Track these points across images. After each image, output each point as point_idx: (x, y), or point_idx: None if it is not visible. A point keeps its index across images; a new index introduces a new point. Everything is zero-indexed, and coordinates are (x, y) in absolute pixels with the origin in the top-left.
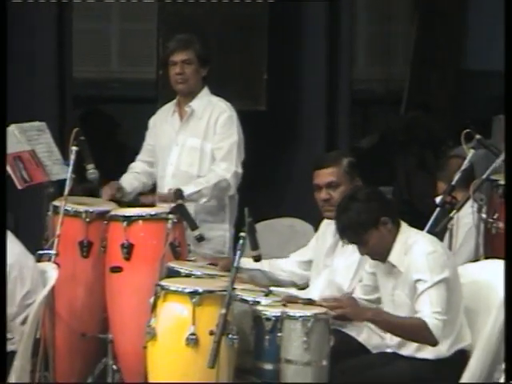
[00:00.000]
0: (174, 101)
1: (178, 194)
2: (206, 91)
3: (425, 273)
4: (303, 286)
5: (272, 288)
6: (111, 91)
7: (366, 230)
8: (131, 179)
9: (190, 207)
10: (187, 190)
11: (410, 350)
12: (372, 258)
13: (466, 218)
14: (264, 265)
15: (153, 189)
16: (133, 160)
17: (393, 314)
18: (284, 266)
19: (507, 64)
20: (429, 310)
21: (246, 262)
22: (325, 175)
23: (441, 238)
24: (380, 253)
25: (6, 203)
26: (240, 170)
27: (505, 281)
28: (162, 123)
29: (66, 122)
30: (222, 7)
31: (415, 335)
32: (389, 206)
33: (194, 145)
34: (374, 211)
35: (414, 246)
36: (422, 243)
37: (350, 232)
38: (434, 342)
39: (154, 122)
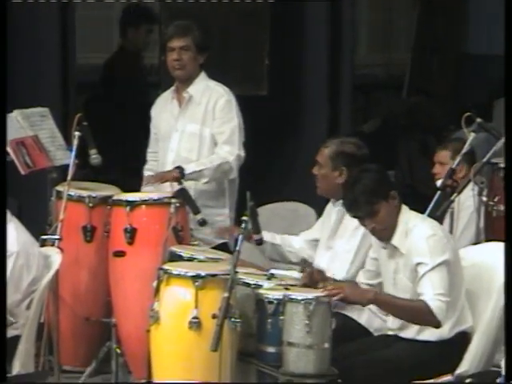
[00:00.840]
0: (172, 88)
1: (179, 170)
2: (203, 76)
3: (425, 256)
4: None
5: (274, 271)
6: None
7: (378, 198)
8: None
9: (190, 192)
10: (188, 169)
11: (411, 332)
12: (376, 234)
13: (468, 201)
14: (276, 238)
15: None
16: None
17: (395, 296)
18: (294, 243)
19: (507, 47)
20: (431, 293)
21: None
22: (318, 152)
23: (440, 222)
24: (385, 228)
25: (6, 198)
26: (243, 154)
27: (505, 264)
28: (162, 111)
29: (69, 107)
30: None
31: (417, 317)
32: (394, 183)
33: (193, 130)
34: (386, 183)
35: (414, 230)
36: (421, 227)
37: (361, 200)
38: (436, 324)
39: (154, 111)
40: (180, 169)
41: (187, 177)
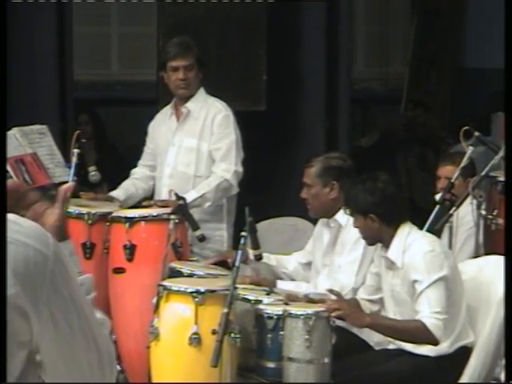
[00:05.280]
0: (171, 103)
1: (182, 200)
2: (201, 92)
3: (422, 273)
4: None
5: (280, 282)
6: (112, 93)
7: (357, 212)
8: (128, 185)
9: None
10: (189, 197)
11: (411, 346)
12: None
13: (467, 216)
14: (271, 259)
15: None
16: (135, 161)
17: (391, 318)
18: (288, 265)
19: (507, 60)
20: (428, 311)
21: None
22: (304, 175)
23: (439, 235)
24: (365, 237)
25: (5, 203)
26: (240, 169)
27: (505, 279)
28: (160, 126)
29: (68, 124)
30: (220, 9)
31: (415, 337)
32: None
33: (190, 145)
34: (370, 203)
35: (412, 245)
36: (420, 243)
37: (352, 205)
38: (434, 342)
39: (152, 126)
40: (183, 199)
41: (191, 205)
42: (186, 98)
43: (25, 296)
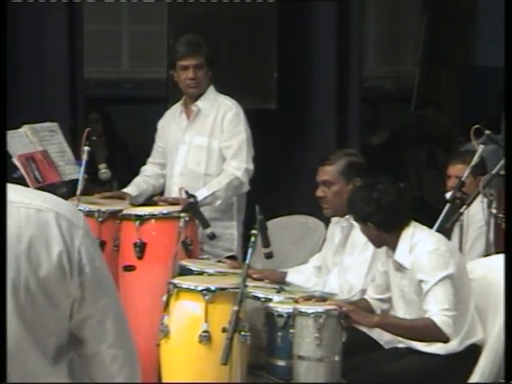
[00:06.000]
0: (181, 101)
1: (193, 198)
2: (211, 90)
3: (427, 272)
4: None
5: (290, 276)
6: (122, 91)
7: (356, 219)
8: (140, 182)
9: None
10: (200, 195)
11: (421, 344)
12: None
13: (478, 215)
14: (288, 277)
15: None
16: (145, 159)
17: (400, 317)
18: (304, 271)
19: (507, 61)
20: (436, 308)
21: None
22: (322, 173)
23: (449, 234)
24: (370, 241)
25: (5, 201)
26: (251, 167)
27: (505, 278)
28: (170, 124)
29: (78, 122)
30: (231, 6)
31: (425, 335)
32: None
33: (200, 143)
34: (367, 212)
35: (417, 245)
36: (424, 242)
37: (353, 208)
38: (445, 340)
39: (162, 124)
40: (194, 197)
41: (201, 203)
42: (196, 97)
43: (65, 255)
